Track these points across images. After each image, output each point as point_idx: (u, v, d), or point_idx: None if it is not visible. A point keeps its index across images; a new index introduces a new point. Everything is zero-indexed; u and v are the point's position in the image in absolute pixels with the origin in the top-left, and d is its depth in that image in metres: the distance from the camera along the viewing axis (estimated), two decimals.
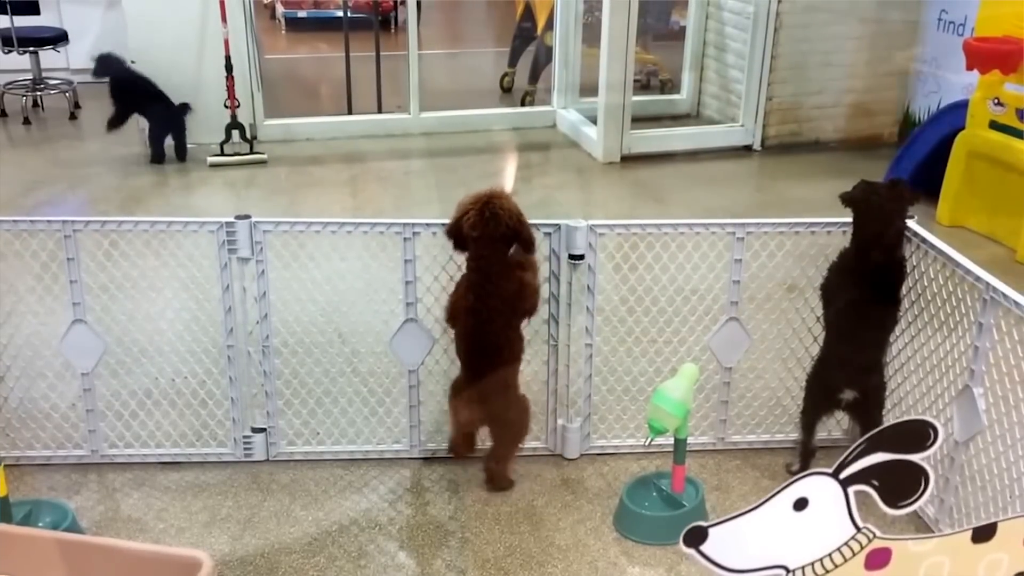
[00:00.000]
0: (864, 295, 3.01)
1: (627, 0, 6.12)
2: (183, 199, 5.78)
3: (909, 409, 3.12)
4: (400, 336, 3.18)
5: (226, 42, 6.20)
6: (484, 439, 3.18)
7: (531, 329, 3.21)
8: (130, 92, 6.20)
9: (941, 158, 5.49)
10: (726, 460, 3.35)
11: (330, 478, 3.22)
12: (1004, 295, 2.64)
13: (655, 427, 2.84)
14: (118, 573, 2.20)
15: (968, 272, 2.80)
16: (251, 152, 6.37)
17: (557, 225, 3.11)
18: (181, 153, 6.32)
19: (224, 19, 6.20)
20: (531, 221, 3.03)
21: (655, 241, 3.25)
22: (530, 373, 3.31)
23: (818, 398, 3.17)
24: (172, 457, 3.29)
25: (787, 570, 1.74)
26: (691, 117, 7.51)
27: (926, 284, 3.03)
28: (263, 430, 3.28)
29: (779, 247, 3.28)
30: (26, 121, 7.18)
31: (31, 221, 3.08)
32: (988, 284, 2.70)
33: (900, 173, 5.68)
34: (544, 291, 3.17)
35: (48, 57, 7.57)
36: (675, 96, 7.69)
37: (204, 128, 6.42)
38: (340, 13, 9.02)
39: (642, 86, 7.94)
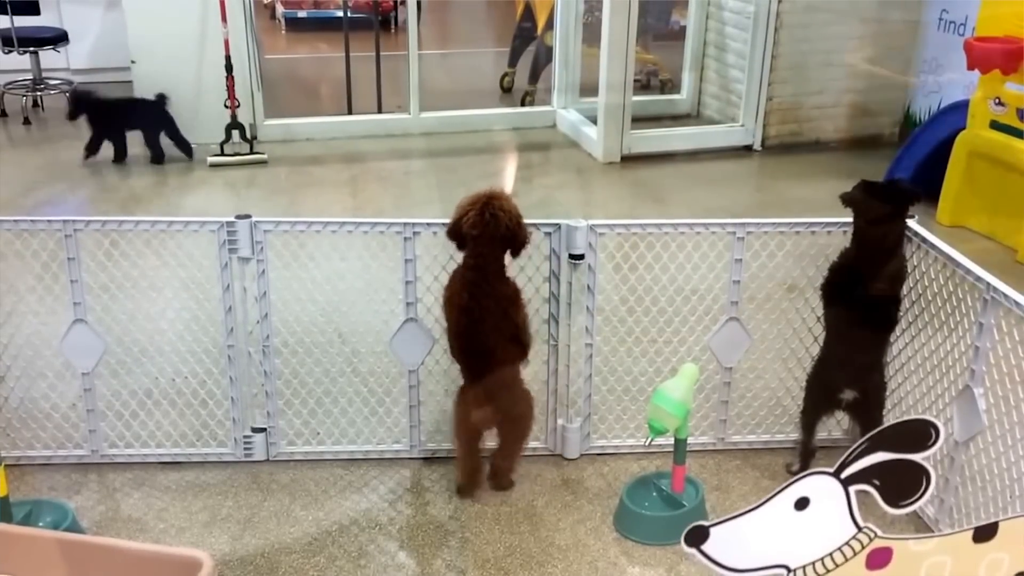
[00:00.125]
0: (864, 295, 3.01)
1: (627, 0, 6.12)
2: (183, 199, 5.78)
3: (909, 409, 3.11)
4: (400, 336, 3.18)
5: (226, 42, 6.20)
6: (483, 440, 3.18)
7: (531, 329, 3.21)
8: (106, 116, 6.21)
9: (942, 158, 5.49)
10: (726, 460, 3.34)
11: (330, 478, 3.22)
12: (1005, 295, 2.63)
13: (655, 427, 2.84)
14: (118, 573, 2.20)
15: (968, 272, 2.79)
16: (251, 152, 6.37)
17: (557, 225, 3.11)
18: (184, 149, 6.30)
19: (224, 19, 6.20)
20: (532, 221, 3.04)
21: (655, 241, 3.25)
22: (530, 373, 3.31)
23: (818, 398, 3.17)
24: (172, 457, 3.29)
25: (788, 569, 1.74)
26: (691, 117, 7.51)
27: (926, 284, 3.03)
28: (263, 430, 3.28)
29: (779, 247, 3.28)
30: (26, 121, 7.18)
31: (32, 221, 3.08)
32: (989, 284, 2.70)
33: (900, 173, 5.68)
34: (544, 291, 3.17)
35: (48, 57, 7.57)
36: (675, 96, 7.68)
37: (204, 128, 6.43)
38: (340, 13, 9.02)
39: (642, 86, 7.94)
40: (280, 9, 10.70)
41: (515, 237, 2.91)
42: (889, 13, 6.68)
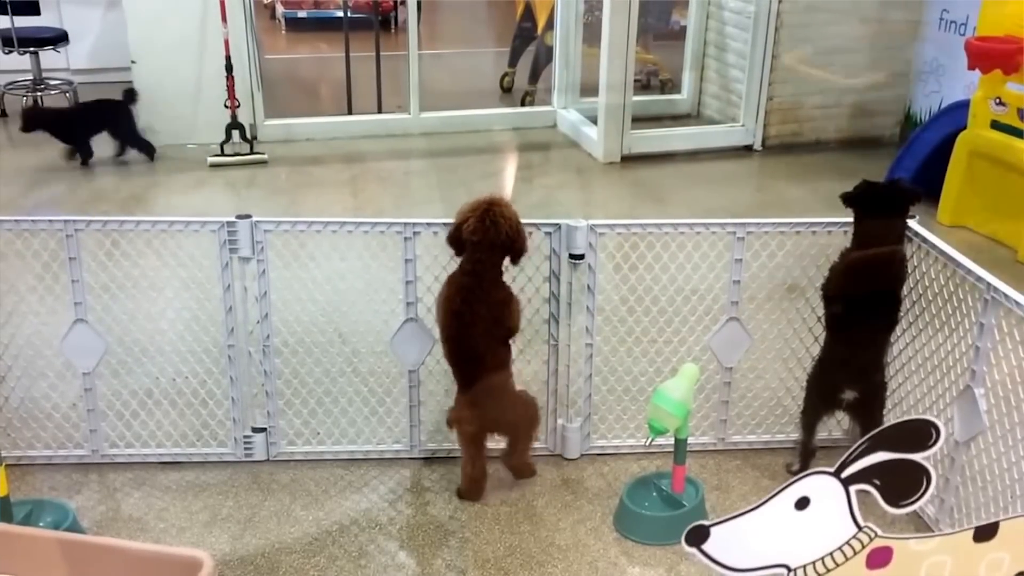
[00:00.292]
0: (865, 295, 3.01)
1: (627, 0, 6.12)
2: (184, 199, 5.78)
3: (910, 409, 3.11)
4: (400, 336, 3.18)
5: (226, 42, 6.20)
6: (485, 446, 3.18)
7: (531, 329, 3.22)
8: (66, 125, 6.20)
9: (942, 158, 5.49)
10: (726, 460, 3.34)
11: (330, 478, 3.22)
12: (1005, 295, 2.63)
13: (655, 427, 2.84)
14: (119, 573, 2.20)
15: (969, 272, 2.79)
16: (251, 152, 6.37)
17: (557, 225, 3.11)
18: (143, 149, 6.27)
19: (224, 19, 6.20)
20: (532, 221, 3.04)
21: (655, 241, 3.25)
22: (530, 373, 3.31)
23: (819, 398, 3.17)
24: (173, 457, 3.29)
25: (789, 569, 1.74)
26: (691, 117, 7.51)
27: (927, 284, 3.03)
28: (263, 430, 3.28)
29: (779, 247, 3.28)
30: None
31: (32, 221, 3.08)
32: (989, 284, 2.70)
33: (901, 173, 5.68)
34: (544, 291, 3.17)
35: (48, 57, 7.56)
36: (675, 96, 7.68)
37: (204, 128, 6.43)
38: (340, 13, 9.03)
39: (642, 86, 7.94)
40: (280, 9, 10.70)
41: (515, 244, 2.91)
42: (889, 13, 6.67)
